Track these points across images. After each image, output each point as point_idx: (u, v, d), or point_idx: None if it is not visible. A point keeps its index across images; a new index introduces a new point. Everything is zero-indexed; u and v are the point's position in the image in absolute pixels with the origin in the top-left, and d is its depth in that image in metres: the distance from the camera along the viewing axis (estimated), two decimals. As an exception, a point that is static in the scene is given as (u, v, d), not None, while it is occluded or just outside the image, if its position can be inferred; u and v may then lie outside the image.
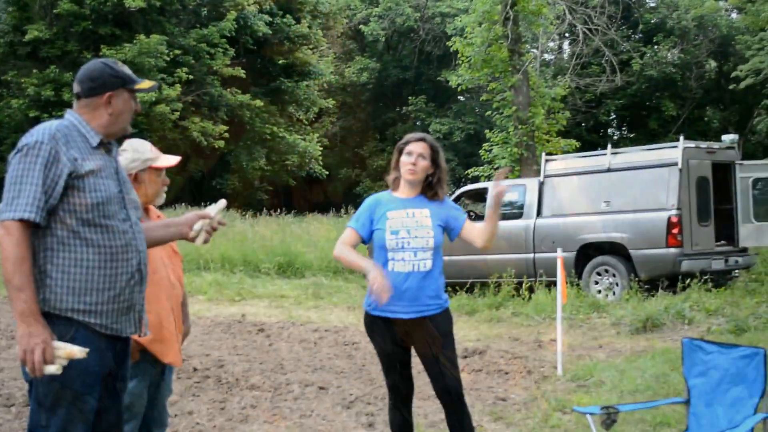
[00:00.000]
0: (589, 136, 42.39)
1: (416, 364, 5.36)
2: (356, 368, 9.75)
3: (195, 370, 9.55)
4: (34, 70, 32.41)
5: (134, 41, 31.69)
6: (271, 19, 37.99)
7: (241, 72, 35.57)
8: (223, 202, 4.22)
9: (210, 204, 4.43)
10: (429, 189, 5.38)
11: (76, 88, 3.89)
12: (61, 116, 3.87)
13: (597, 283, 14.62)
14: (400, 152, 5.38)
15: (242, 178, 38.05)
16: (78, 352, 3.51)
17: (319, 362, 10.19)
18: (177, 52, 33.28)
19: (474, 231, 5.38)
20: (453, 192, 17.79)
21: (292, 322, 13.83)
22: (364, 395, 8.24)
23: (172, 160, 4.75)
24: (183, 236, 4.12)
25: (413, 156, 5.30)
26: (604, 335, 11.97)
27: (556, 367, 9.37)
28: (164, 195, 4.80)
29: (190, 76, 33.36)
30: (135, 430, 4.57)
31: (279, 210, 29.01)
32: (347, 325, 13.28)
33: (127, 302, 3.77)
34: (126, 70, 3.93)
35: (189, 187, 35.35)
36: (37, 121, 26.94)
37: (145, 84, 3.93)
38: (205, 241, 4.12)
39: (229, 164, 37.29)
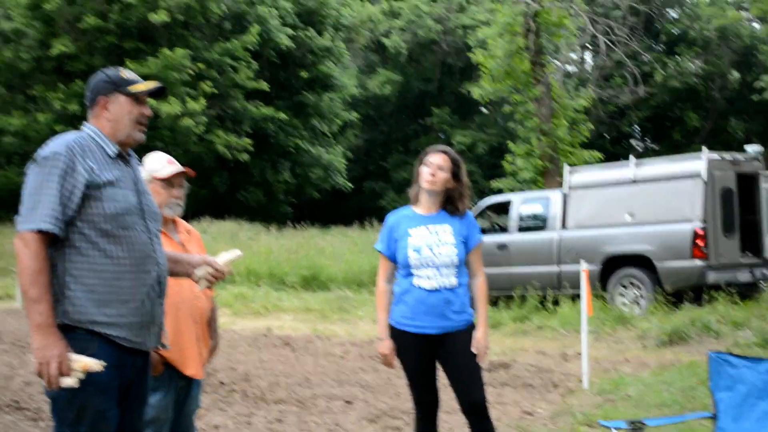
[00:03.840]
0: (612, 148, 42.31)
1: (442, 378, 5.37)
2: (382, 382, 9.76)
3: (221, 383, 9.59)
4: (60, 85, 32.75)
5: (158, 55, 31.92)
6: (293, 32, 38.18)
7: (264, 85, 35.75)
8: (236, 252, 4.14)
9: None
10: (450, 203, 5.35)
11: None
12: None
13: (622, 295, 14.55)
14: (421, 164, 5.39)
15: (266, 191, 38.23)
16: (94, 365, 3.47)
17: (345, 376, 10.21)
18: (201, 65, 33.53)
19: (474, 264, 5.38)
20: (476, 203, 17.76)
21: (317, 336, 13.87)
22: (391, 409, 8.24)
23: (175, 169, 4.63)
24: (188, 276, 4.06)
25: (432, 167, 5.30)
26: (630, 348, 11.93)
27: (581, 381, 9.34)
28: (180, 207, 4.69)
29: (214, 90, 33.58)
30: (161, 443, 4.56)
31: (303, 223, 29.09)
32: (373, 339, 13.27)
33: (149, 315, 3.73)
34: (125, 75, 3.83)
35: (213, 201, 35.49)
36: (63, 135, 27.07)
37: (141, 86, 3.79)
38: (208, 288, 4.07)
39: (253, 177, 37.45)
